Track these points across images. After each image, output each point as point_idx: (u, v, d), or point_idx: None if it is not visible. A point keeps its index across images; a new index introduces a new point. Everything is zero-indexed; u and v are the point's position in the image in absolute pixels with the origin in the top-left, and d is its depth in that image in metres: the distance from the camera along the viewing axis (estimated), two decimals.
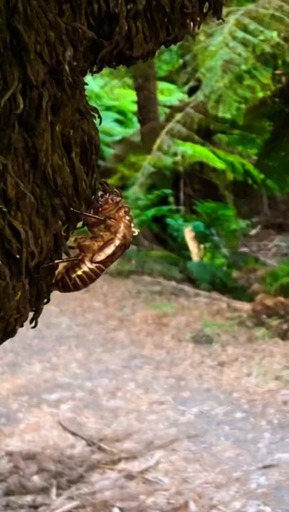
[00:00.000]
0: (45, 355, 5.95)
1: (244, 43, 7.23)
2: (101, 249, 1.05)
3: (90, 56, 1.03)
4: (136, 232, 1.10)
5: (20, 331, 1.04)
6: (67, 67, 0.94)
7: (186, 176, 11.50)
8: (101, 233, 1.07)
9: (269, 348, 5.86)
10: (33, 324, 1.05)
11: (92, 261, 1.05)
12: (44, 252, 0.98)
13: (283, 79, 8.62)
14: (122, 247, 1.07)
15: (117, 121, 14.39)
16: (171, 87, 14.07)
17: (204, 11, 1.12)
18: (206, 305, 7.49)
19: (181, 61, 11.53)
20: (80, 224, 1.07)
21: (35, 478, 3.79)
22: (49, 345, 6.26)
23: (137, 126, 12.33)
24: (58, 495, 3.61)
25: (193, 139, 9.42)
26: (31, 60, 0.91)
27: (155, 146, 9.04)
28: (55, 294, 1.06)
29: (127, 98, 14.18)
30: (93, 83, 12.54)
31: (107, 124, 13.27)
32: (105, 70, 1.15)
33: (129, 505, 3.45)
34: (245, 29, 7.23)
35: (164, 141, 8.99)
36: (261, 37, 7.22)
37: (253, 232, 11.91)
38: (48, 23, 0.93)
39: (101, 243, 1.06)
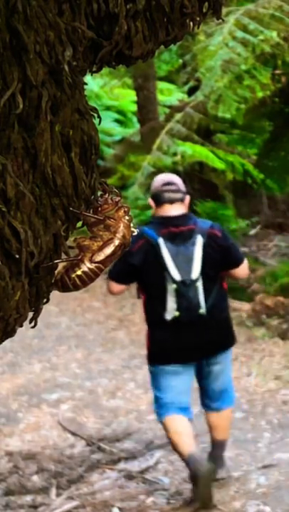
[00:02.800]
0: (45, 355, 5.96)
1: (244, 43, 7.23)
2: (100, 249, 1.06)
3: (89, 56, 1.03)
4: (135, 232, 1.10)
5: (19, 330, 1.04)
6: (66, 67, 0.94)
7: (185, 176, 11.49)
8: (100, 233, 1.07)
9: (269, 347, 5.86)
10: (33, 324, 1.05)
11: (91, 261, 1.05)
12: (44, 252, 0.98)
13: (283, 79, 8.63)
14: (122, 247, 1.08)
15: (117, 121, 14.39)
16: (171, 87, 14.07)
17: (204, 10, 1.12)
18: None
19: (180, 61, 11.53)
20: (79, 224, 1.07)
21: (35, 478, 3.79)
22: (49, 345, 6.26)
23: (137, 126, 12.33)
24: (58, 495, 3.62)
25: (193, 139, 9.42)
26: (31, 60, 0.91)
27: (155, 146, 9.04)
28: (55, 294, 1.07)
29: (127, 98, 14.19)
30: (93, 83, 12.54)
31: (107, 124, 13.27)
32: (105, 70, 1.16)
33: (129, 505, 3.45)
34: (244, 29, 7.23)
35: (164, 141, 8.99)
36: (261, 37, 7.22)
37: (253, 232, 11.91)
38: (47, 23, 0.93)
39: (100, 243, 1.06)
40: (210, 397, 3.66)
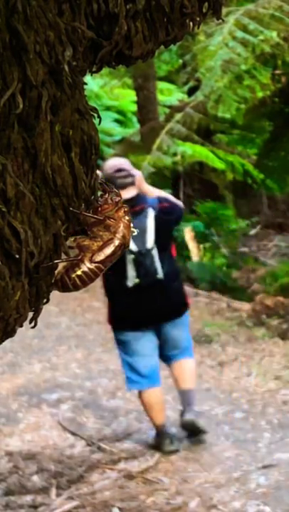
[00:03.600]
0: (45, 355, 5.95)
1: (244, 43, 7.23)
2: (100, 249, 1.06)
3: (89, 56, 1.03)
4: (135, 232, 1.10)
5: (19, 330, 1.03)
6: (66, 67, 0.94)
7: (185, 176, 11.50)
8: (100, 233, 1.07)
9: (269, 347, 5.86)
10: (33, 324, 1.05)
11: (91, 261, 1.05)
12: (43, 252, 0.98)
13: (283, 79, 8.62)
14: (122, 247, 1.08)
15: (117, 121, 14.39)
16: (171, 87, 14.07)
17: (204, 10, 1.12)
18: (206, 305, 7.49)
19: (180, 61, 11.53)
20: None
21: (35, 478, 3.79)
22: (49, 345, 6.26)
23: (137, 126, 12.33)
24: (58, 495, 3.61)
25: (193, 139, 9.42)
26: (31, 60, 0.91)
27: (155, 146, 9.04)
28: (55, 294, 1.06)
29: (127, 98, 14.19)
30: (93, 83, 12.53)
31: (107, 124, 13.27)
32: (105, 70, 1.16)
33: (129, 505, 3.45)
34: (244, 29, 7.22)
35: (164, 141, 8.99)
36: (261, 37, 7.22)
37: (253, 232, 11.91)
38: (47, 23, 0.93)
39: (100, 243, 1.06)
40: (171, 354, 4.06)
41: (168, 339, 3.99)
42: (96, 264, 1.05)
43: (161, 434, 4.04)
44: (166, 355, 4.05)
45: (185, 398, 4.05)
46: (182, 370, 4.06)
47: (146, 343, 3.94)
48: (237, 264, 9.31)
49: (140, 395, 4.02)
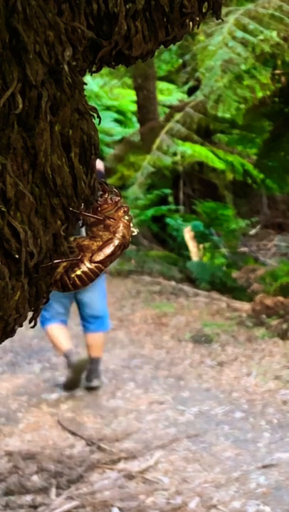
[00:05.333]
0: (45, 355, 5.95)
1: (243, 43, 7.22)
2: (100, 249, 1.06)
3: (89, 56, 1.03)
4: (135, 231, 1.10)
5: (19, 330, 1.03)
6: (66, 67, 0.94)
7: (185, 176, 11.50)
8: (100, 233, 1.07)
9: (268, 347, 5.86)
10: (33, 324, 1.05)
11: (91, 261, 1.05)
12: (43, 252, 0.98)
13: (283, 79, 8.62)
14: (121, 247, 1.08)
15: (117, 121, 14.39)
16: (171, 86, 14.07)
17: (203, 10, 1.12)
18: (206, 305, 7.49)
19: (180, 61, 11.54)
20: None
21: (35, 478, 3.79)
22: (48, 345, 6.24)
23: (137, 126, 12.34)
24: (58, 495, 3.61)
25: (193, 139, 9.42)
26: (30, 60, 0.91)
27: (154, 146, 9.04)
28: None
29: (127, 98, 14.19)
30: (93, 83, 12.54)
31: (107, 124, 13.27)
32: (105, 70, 1.16)
33: (128, 505, 3.45)
34: (244, 29, 7.22)
35: (164, 141, 8.99)
36: (261, 37, 7.21)
37: (253, 231, 11.91)
38: (47, 23, 0.93)
39: (100, 243, 1.06)
40: (88, 321, 4.87)
41: (84, 301, 4.74)
42: (96, 264, 1.05)
43: (70, 353, 4.73)
44: (84, 317, 4.83)
45: (94, 365, 4.91)
46: (94, 342, 4.89)
47: (62, 303, 4.70)
48: (237, 264, 9.31)
49: (47, 332, 4.78)
